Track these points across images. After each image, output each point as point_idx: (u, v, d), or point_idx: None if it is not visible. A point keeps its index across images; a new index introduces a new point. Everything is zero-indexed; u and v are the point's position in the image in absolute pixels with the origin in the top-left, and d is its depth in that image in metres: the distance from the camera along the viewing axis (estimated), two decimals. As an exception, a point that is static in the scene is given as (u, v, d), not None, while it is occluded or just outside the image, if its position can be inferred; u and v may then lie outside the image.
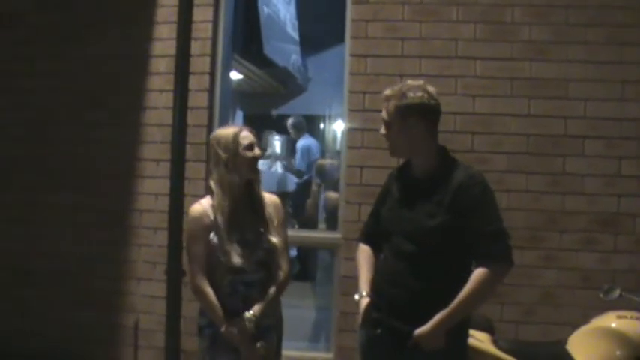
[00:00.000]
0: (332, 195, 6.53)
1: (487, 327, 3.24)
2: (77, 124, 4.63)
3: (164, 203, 4.04)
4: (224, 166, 2.68)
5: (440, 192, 2.43)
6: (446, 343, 2.40)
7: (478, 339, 3.09)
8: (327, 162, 7.05)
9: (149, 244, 4.47)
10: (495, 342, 3.20)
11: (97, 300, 4.53)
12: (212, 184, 2.73)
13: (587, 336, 3.20)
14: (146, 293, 4.46)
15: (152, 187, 4.49)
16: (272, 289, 2.74)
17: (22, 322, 4.60)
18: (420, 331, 2.39)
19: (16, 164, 4.72)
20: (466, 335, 2.57)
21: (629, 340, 3.09)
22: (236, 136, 2.71)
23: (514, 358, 3.13)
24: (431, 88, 2.49)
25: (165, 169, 4.15)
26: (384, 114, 2.51)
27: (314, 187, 6.93)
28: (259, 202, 2.79)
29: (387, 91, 2.52)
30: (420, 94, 2.44)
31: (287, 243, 2.85)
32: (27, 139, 4.71)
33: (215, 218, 2.68)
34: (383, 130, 2.54)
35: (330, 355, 4.35)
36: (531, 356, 3.20)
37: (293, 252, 7.32)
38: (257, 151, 2.76)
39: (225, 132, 2.77)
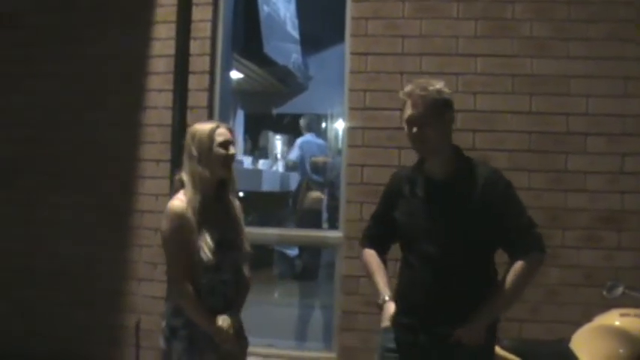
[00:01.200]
0: (314, 194, 6.62)
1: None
2: (77, 124, 4.62)
3: (164, 204, 3.99)
4: (197, 161, 2.65)
5: (467, 190, 2.40)
6: (484, 339, 2.40)
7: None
8: (321, 160, 7.05)
9: (150, 245, 4.44)
10: (499, 341, 3.18)
11: (97, 301, 4.52)
12: (184, 177, 2.69)
13: (591, 334, 3.17)
14: (147, 294, 4.44)
15: (152, 188, 4.47)
16: (241, 291, 2.78)
17: (22, 323, 4.59)
18: (465, 328, 2.36)
19: (16, 164, 4.71)
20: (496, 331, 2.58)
21: (632, 338, 3.06)
22: (212, 132, 2.67)
23: (518, 357, 3.11)
24: None
25: (165, 169, 4.14)
26: (417, 110, 2.39)
27: (303, 185, 6.95)
28: (230, 203, 2.77)
29: (417, 88, 2.42)
30: (448, 90, 2.46)
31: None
32: (27, 139, 4.70)
33: (189, 212, 2.62)
34: (414, 129, 2.40)
35: (333, 354, 4.33)
36: (535, 355, 3.17)
37: (294, 252, 7.33)
38: (231, 150, 2.71)
39: (202, 127, 2.72)
